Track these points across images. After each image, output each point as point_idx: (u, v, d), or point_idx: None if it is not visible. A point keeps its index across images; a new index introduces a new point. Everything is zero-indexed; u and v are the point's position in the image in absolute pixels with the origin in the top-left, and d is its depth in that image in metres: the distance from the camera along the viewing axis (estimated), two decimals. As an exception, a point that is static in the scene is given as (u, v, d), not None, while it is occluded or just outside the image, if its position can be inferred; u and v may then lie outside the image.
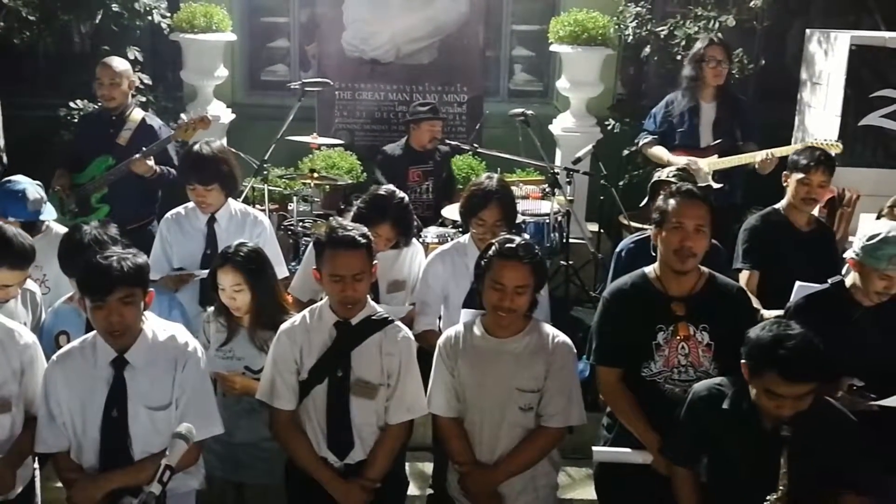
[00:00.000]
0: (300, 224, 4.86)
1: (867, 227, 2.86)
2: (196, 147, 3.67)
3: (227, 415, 2.85)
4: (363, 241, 2.73)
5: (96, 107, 5.17)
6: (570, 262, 5.00)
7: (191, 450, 2.38)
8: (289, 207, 5.22)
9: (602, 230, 5.46)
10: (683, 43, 5.48)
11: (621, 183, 5.65)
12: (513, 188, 3.85)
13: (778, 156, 4.30)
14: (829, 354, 2.38)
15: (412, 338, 2.91)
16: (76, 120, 5.46)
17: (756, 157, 4.39)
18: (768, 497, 2.37)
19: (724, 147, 4.59)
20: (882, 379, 2.72)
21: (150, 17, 5.77)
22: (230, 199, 3.76)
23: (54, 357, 2.63)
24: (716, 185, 4.54)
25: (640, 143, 4.90)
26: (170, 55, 6.23)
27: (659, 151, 4.71)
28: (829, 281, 2.94)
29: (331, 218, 2.99)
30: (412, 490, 3.60)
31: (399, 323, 2.90)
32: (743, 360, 2.43)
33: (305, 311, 2.88)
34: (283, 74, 7.00)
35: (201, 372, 2.64)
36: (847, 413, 2.55)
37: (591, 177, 5.45)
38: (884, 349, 2.76)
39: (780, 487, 2.35)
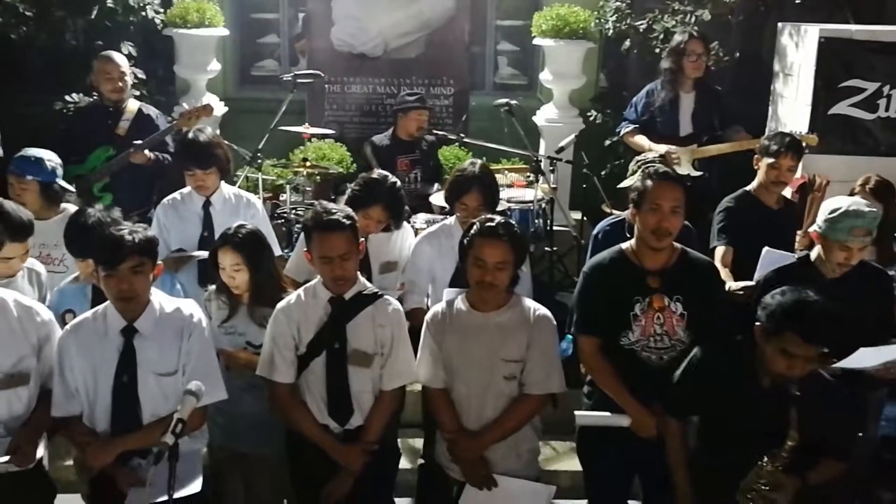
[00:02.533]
0: (293, 212, 5.03)
1: (829, 202, 3.06)
2: (191, 134, 3.82)
3: (230, 388, 2.96)
4: (347, 222, 2.88)
5: (90, 99, 5.31)
6: (555, 249, 5.17)
7: (197, 413, 2.54)
8: (281, 197, 5.39)
9: (585, 218, 5.63)
10: (662, 36, 5.68)
11: (603, 172, 5.82)
12: (498, 176, 4.02)
13: None
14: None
15: (402, 310, 3.07)
16: (73, 113, 5.59)
17: (754, 144, 4.58)
18: (774, 451, 2.58)
19: (703, 136, 4.80)
20: (843, 345, 2.90)
21: (143, 13, 5.90)
22: (223, 184, 3.92)
23: (67, 327, 2.77)
24: (696, 173, 4.74)
25: (622, 132, 5.10)
26: (161, 50, 6.34)
27: (640, 140, 4.91)
28: (796, 256, 3.14)
29: (316, 203, 3.14)
30: (404, 463, 3.75)
31: (389, 297, 3.06)
32: (758, 323, 2.60)
33: (300, 290, 3.04)
34: (272, 69, 7.16)
35: (206, 341, 2.79)
36: (838, 384, 2.73)
37: (573, 166, 5.63)
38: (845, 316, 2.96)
39: (790, 442, 2.54)
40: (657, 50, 5.63)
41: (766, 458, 2.63)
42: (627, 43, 6.01)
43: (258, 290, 3.19)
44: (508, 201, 4.85)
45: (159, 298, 2.78)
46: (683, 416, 2.85)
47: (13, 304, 2.71)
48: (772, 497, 2.63)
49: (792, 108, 5.33)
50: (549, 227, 5.18)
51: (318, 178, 5.57)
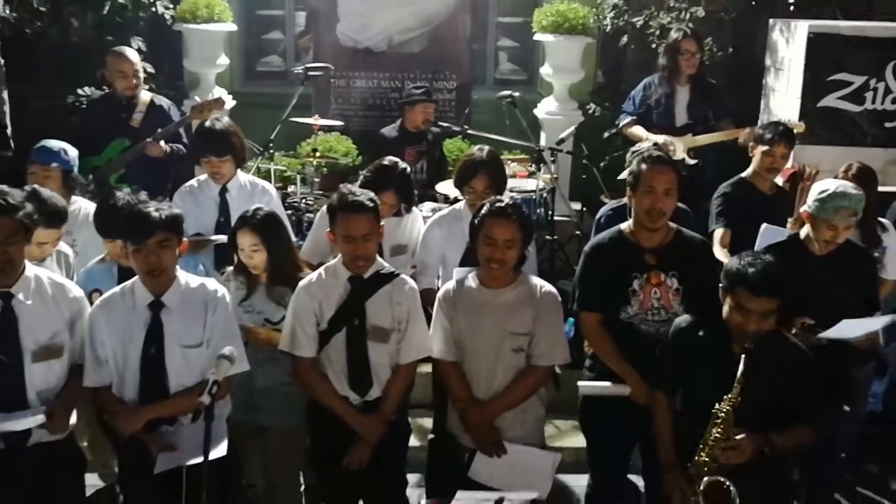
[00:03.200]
0: (303, 201, 5.19)
1: (819, 184, 3.25)
2: (208, 123, 3.98)
3: (249, 363, 3.07)
4: (371, 204, 3.05)
5: (102, 92, 5.47)
6: (556, 237, 5.34)
7: (223, 381, 2.69)
8: (290, 188, 5.56)
9: (585, 208, 5.80)
10: (658, 32, 5.86)
11: (602, 164, 6.00)
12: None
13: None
14: (787, 296, 2.74)
15: (417, 288, 3.23)
16: (85, 106, 5.74)
17: (741, 134, 4.78)
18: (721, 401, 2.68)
19: (698, 127, 5.00)
20: (830, 317, 3.09)
21: (153, 9, 6.05)
22: (239, 171, 4.07)
23: (97, 301, 2.93)
24: (691, 161, 4.92)
25: (620, 124, 5.30)
26: (169, 45, 6.49)
27: (638, 131, 5.11)
28: (787, 234, 3.33)
29: (341, 185, 3.31)
30: (413, 441, 3.92)
31: (405, 276, 3.23)
32: (721, 284, 2.77)
33: (321, 269, 3.19)
34: (277, 65, 7.32)
35: (229, 315, 2.96)
36: (808, 352, 2.88)
37: (573, 158, 5.81)
38: (831, 292, 3.15)
39: (734, 387, 2.66)
40: (653, 45, 5.81)
41: (717, 406, 2.72)
42: (625, 39, 6.20)
43: (275, 270, 3.33)
44: (511, 191, 5.00)
45: (184, 275, 2.94)
46: (668, 389, 2.98)
47: (47, 281, 2.86)
48: (730, 445, 2.69)
49: (782, 101, 5.52)
50: (550, 217, 5.35)
51: (325, 169, 5.74)
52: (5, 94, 6.09)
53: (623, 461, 3.34)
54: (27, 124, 5.98)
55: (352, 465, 3.11)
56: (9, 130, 5.97)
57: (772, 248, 3.28)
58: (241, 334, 3.13)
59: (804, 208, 3.26)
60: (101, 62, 5.05)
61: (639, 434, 3.20)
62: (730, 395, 2.67)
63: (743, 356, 2.65)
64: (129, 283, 2.93)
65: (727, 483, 2.64)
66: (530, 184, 5.21)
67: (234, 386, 3.13)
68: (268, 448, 3.43)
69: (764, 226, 3.57)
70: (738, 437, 2.68)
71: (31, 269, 2.83)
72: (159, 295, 2.86)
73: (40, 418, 2.71)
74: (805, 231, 3.27)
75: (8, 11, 5.61)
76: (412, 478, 3.94)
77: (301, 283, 3.16)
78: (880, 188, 4.40)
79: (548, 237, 5.27)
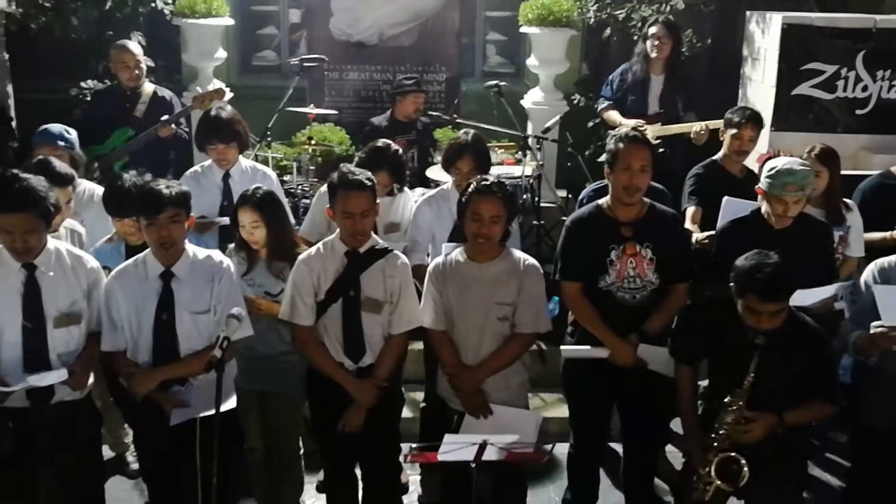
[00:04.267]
0: (299, 188, 5.41)
1: (769, 163, 3.49)
2: (213, 112, 4.20)
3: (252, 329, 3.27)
4: (369, 183, 3.26)
5: (104, 85, 5.67)
6: (542, 223, 5.57)
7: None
8: (285, 178, 5.77)
9: (570, 195, 6.01)
10: (640, 25, 6.06)
11: (587, 153, 6.22)
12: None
13: (711, 128, 4.91)
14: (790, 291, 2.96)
15: (409, 264, 3.45)
16: (88, 98, 5.94)
17: (693, 127, 5.02)
18: (734, 392, 2.91)
19: (668, 116, 5.24)
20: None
21: (153, 4, 6.25)
22: (241, 157, 4.29)
23: (113, 272, 3.15)
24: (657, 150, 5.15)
25: (599, 108, 5.55)
26: (167, 40, 6.69)
27: (614, 115, 5.36)
28: (750, 210, 3.57)
29: (341, 164, 3.53)
30: (407, 413, 4.15)
31: (398, 252, 3.45)
32: (731, 283, 2.98)
33: (319, 244, 3.40)
34: (271, 60, 7.52)
35: (234, 284, 3.19)
36: (821, 330, 3.09)
37: (559, 146, 6.02)
38: (788, 262, 3.36)
39: (745, 383, 2.89)
40: (635, 37, 6.02)
41: (728, 397, 2.97)
42: (608, 31, 6.42)
43: (274, 246, 3.53)
44: (498, 177, 5.21)
45: (192, 248, 3.16)
46: (691, 362, 3.22)
47: (66, 253, 3.08)
48: (742, 430, 2.94)
49: (759, 90, 5.75)
50: (536, 203, 5.57)
51: (319, 158, 5.95)
52: (10, 88, 6.29)
53: (602, 419, 3.58)
54: (31, 117, 6.17)
55: (348, 427, 3.31)
56: (13, 123, 6.17)
57: (735, 224, 3.52)
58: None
59: (759, 185, 3.51)
60: (101, 56, 5.26)
61: (616, 391, 3.43)
62: (743, 389, 2.88)
63: (756, 353, 2.87)
64: (141, 255, 3.15)
65: (738, 461, 2.87)
66: (517, 171, 5.43)
67: (236, 355, 3.31)
68: (268, 413, 3.63)
69: (726, 199, 3.78)
70: (750, 419, 2.90)
71: (51, 243, 3.03)
72: (169, 266, 3.08)
73: (64, 373, 2.92)
74: (765, 206, 3.51)
75: (14, 7, 5.81)
76: (405, 447, 4.18)
77: (301, 257, 3.38)
78: (852, 172, 4.64)
79: (534, 222, 5.48)
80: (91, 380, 3.15)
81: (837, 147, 4.22)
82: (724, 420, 2.99)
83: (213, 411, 2.70)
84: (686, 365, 3.23)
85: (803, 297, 3.27)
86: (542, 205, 5.60)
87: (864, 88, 5.50)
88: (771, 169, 3.40)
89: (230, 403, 2.98)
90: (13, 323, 2.94)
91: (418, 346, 3.97)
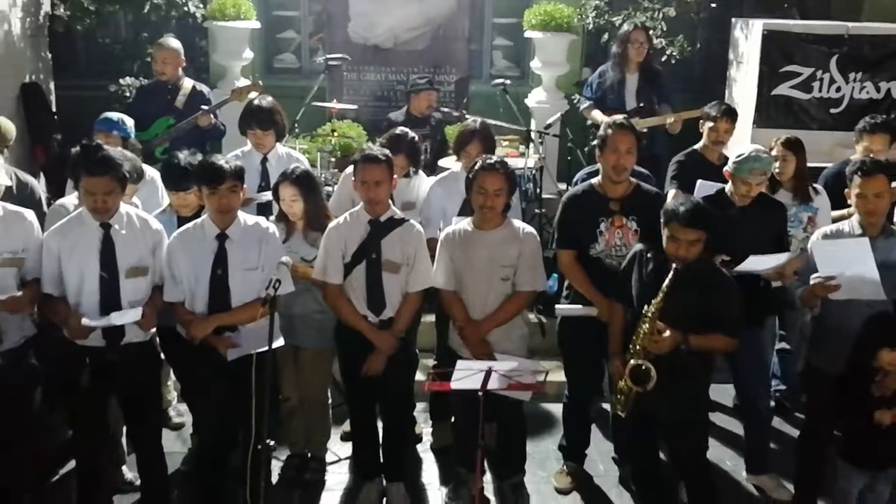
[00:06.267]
0: (321, 176, 5.92)
1: (737, 148, 3.99)
2: (255, 101, 4.73)
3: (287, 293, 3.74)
4: (383, 158, 3.78)
5: (146, 81, 6.21)
6: (544, 211, 6.06)
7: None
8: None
9: (569, 187, 6.50)
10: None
11: (586, 148, 6.72)
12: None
13: (684, 118, 5.46)
14: (714, 237, 3.42)
15: (423, 232, 3.96)
16: (126, 94, 6.48)
17: (668, 119, 5.55)
18: (650, 303, 3.32)
19: (645, 110, 5.76)
20: (744, 255, 3.78)
21: (185, 8, 6.79)
22: (278, 144, 4.81)
23: (175, 233, 3.65)
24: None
25: (581, 108, 6.09)
26: (196, 41, 7.23)
27: (595, 114, 5.91)
28: (715, 189, 4.08)
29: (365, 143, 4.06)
30: (420, 377, 4.62)
31: (413, 221, 3.96)
32: (661, 220, 3.43)
33: (346, 214, 3.92)
34: (291, 62, 8.03)
35: (278, 246, 3.69)
36: (727, 274, 3.57)
37: (560, 142, 6.53)
38: (746, 235, 3.86)
39: (660, 293, 3.30)
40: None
41: (645, 307, 3.36)
42: (606, 36, 6.94)
43: (310, 217, 4.03)
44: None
45: (243, 214, 3.68)
46: (623, 300, 3.63)
47: (135, 216, 3.59)
48: (654, 339, 3.28)
49: (743, 90, 6.27)
50: (538, 193, 6.07)
51: (339, 152, 6.46)
52: (52, 85, 6.84)
53: (593, 370, 4.08)
54: (73, 112, 6.71)
55: (370, 370, 3.82)
56: (55, 117, 6.71)
57: (705, 199, 4.01)
58: (284, 266, 3.84)
59: (726, 168, 4.01)
60: (137, 57, 5.74)
61: (604, 347, 3.92)
62: (656, 300, 3.34)
63: (671, 272, 3.33)
64: (199, 220, 3.66)
65: (645, 365, 3.32)
66: (521, 163, 5.93)
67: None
68: (302, 366, 4.12)
69: (699, 182, 4.28)
70: (661, 331, 3.32)
71: (122, 207, 3.54)
72: (224, 229, 3.59)
73: (139, 312, 3.41)
74: (728, 187, 4.02)
75: (62, 10, 6.36)
76: (418, 406, 4.68)
77: (331, 225, 3.90)
78: (827, 164, 5.12)
79: (536, 211, 5.94)
80: (154, 327, 3.65)
81: (813, 142, 4.71)
82: (640, 330, 3.33)
83: (263, 348, 3.21)
84: (619, 302, 3.64)
85: (756, 263, 3.76)
86: (543, 196, 6.09)
87: (838, 89, 6.01)
88: (739, 155, 3.90)
89: (279, 342, 3.47)
90: (92, 273, 3.43)
91: (430, 318, 4.48)
